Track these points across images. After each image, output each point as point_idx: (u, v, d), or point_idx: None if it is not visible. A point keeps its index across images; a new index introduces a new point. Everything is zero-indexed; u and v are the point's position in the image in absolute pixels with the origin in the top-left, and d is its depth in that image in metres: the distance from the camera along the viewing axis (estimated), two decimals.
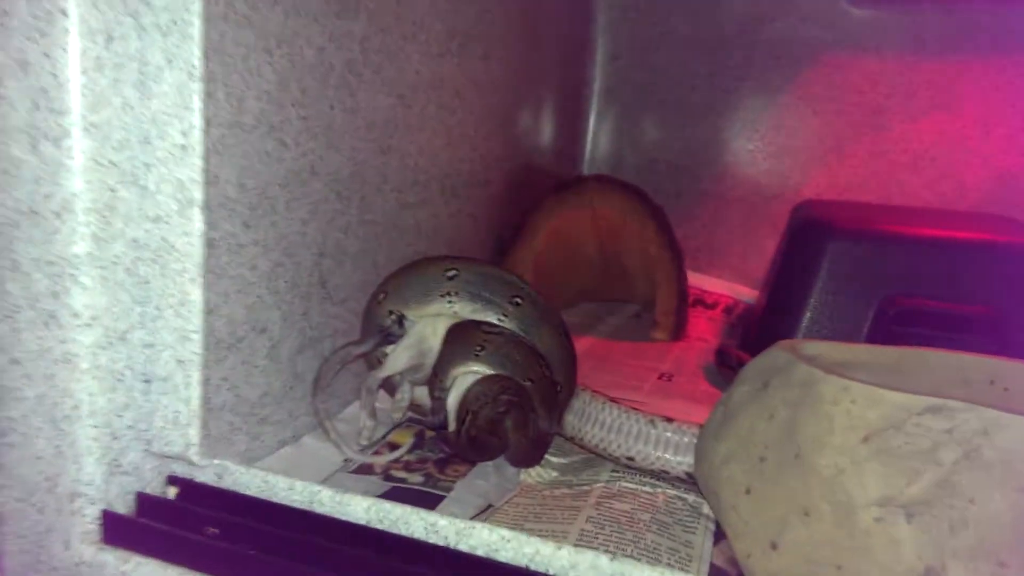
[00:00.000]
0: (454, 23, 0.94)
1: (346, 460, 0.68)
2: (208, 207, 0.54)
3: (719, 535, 0.59)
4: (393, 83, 0.81)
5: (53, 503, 0.50)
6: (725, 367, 0.95)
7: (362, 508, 0.48)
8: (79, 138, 0.46)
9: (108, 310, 0.48)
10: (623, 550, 0.55)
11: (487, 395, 0.64)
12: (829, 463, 0.50)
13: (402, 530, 0.48)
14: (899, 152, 1.32)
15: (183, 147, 0.47)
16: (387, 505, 0.47)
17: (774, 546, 0.51)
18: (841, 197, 1.34)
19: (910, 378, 0.62)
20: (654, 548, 0.55)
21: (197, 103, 0.48)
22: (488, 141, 1.08)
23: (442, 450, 0.72)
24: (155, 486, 0.52)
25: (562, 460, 0.72)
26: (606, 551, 0.54)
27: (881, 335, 0.86)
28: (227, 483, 0.50)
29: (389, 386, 0.74)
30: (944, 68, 1.28)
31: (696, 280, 1.33)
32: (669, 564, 0.54)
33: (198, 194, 0.49)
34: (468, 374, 0.66)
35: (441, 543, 0.48)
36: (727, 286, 1.41)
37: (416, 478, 0.66)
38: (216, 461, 0.52)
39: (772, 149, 1.40)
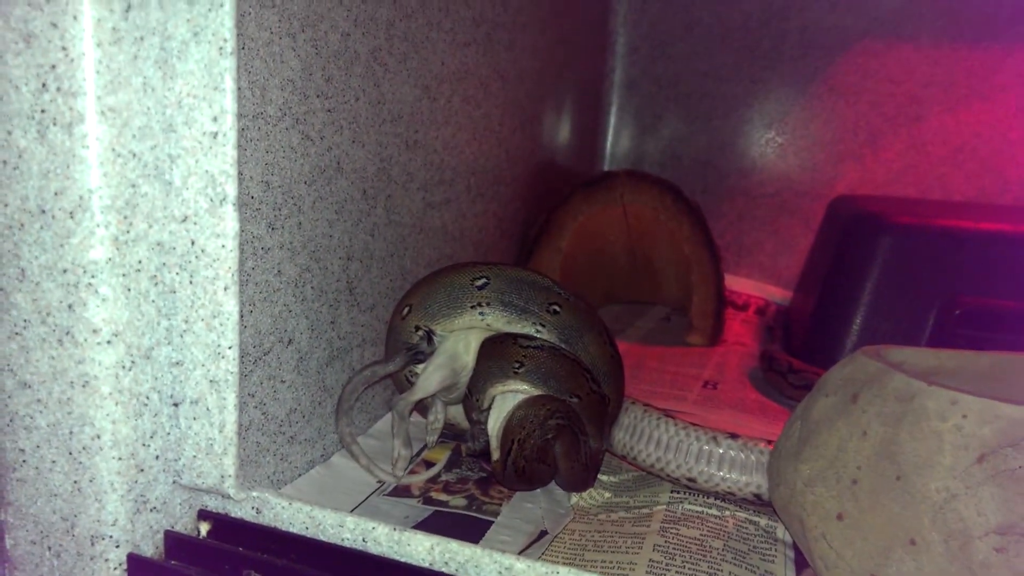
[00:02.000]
0: (481, 10, 0.88)
1: (380, 482, 0.63)
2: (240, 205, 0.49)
3: (800, 563, 0.54)
4: (418, 73, 0.76)
5: (72, 546, 0.43)
6: (773, 373, 0.89)
7: (424, 548, 0.42)
8: (94, 124, 0.39)
9: (131, 324, 0.41)
10: None
11: (533, 421, 0.58)
12: (939, 487, 0.44)
13: (471, 574, 0.42)
14: (937, 144, 1.26)
15: (213, 135, 0.41)
16: (454, 545, 0.41)
17: None
18: (877, 192, 1.28)
19: (1011, 387, 0.56)
20: None
21: (229, 83, 0.41)
22: (513, 136, 1.03)
23: (482, 468, 0.66)
24: (185, 522, 0.45)
25: (613, 479, 0.66)
26: None
27: (945, 338, 0.81)
28: (266, 518, 0.44)
29: (421, 407, 0.68)
30: (984, 55, 1.22)
31: (725, 280, 1.28)
32: None
33: (231, 189, 0.42)
34: (507, 393, 0.61)
35: None
36: (757, 286, 1.36)
37: (458, 501, 0.61)
38: (255, 494, 0.45)
39: (802, 143, 1.34)
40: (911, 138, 1.28)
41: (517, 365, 0.60)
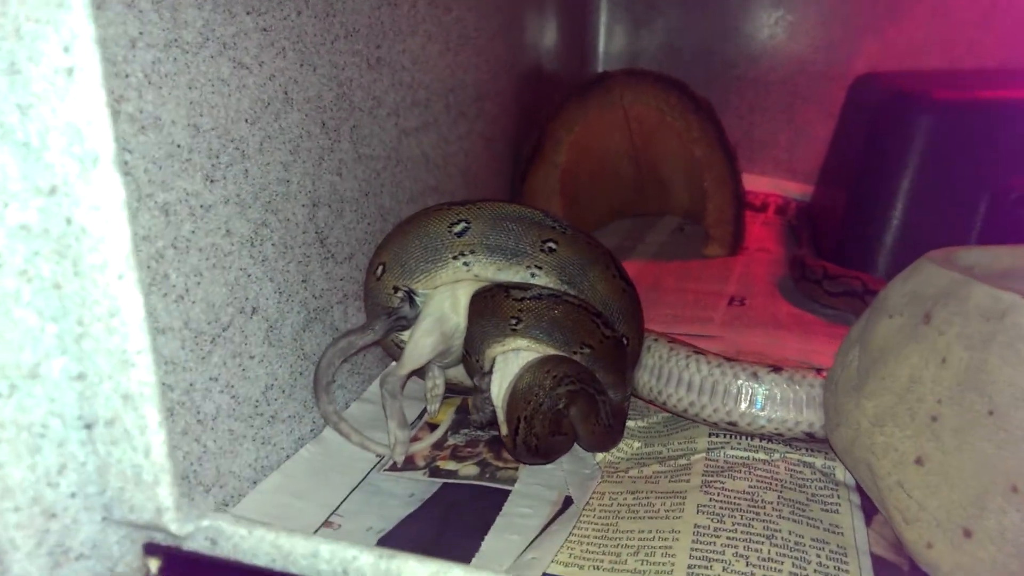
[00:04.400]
0: None
1: (379, 455, 0.56)
2: (128, 161, 0.39)
3: (868, 509, 0.46)
4: None
5: None
6: (806, 281, 0.80)
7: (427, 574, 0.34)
8: None
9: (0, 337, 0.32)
10: (757, 550, 0.42)
11: (539, 391, 0.49)
12: None
13: None
14: (964, 8, 1.13)
15: (68, 72, 0.30)
16: (457, 570, 0.33)
17: (968, 533, 0.38)
18: (901, 68, 1.16)
19: None
20: (796, 543, 0.43)
21: None
22: (493, 43, 0.91)
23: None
24: (129, 561, 0.37)
25: (641, 423, 0.58)
26: (736, 553, 0.42)
27: (1000, 228, 0.72)
28: (224, 550, 0.36)
29: (417, 371, 0.60)
30: None
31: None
32: (821, 563, 0.41)
33: (105, 143, 0.32)
34: (508, 352, 0.52)
35: None
36: (773, 183, 1.25)
37: (469, 469, 0.54)
38: (205, 523, 0.37)
39: (815, 19, 1.21)
40: (934, 4, 1.14)
41: (514, 322, 0.51)
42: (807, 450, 0.51)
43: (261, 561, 0.36)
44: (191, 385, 0.46)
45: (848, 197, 0.83)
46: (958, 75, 0.94)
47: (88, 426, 0.35)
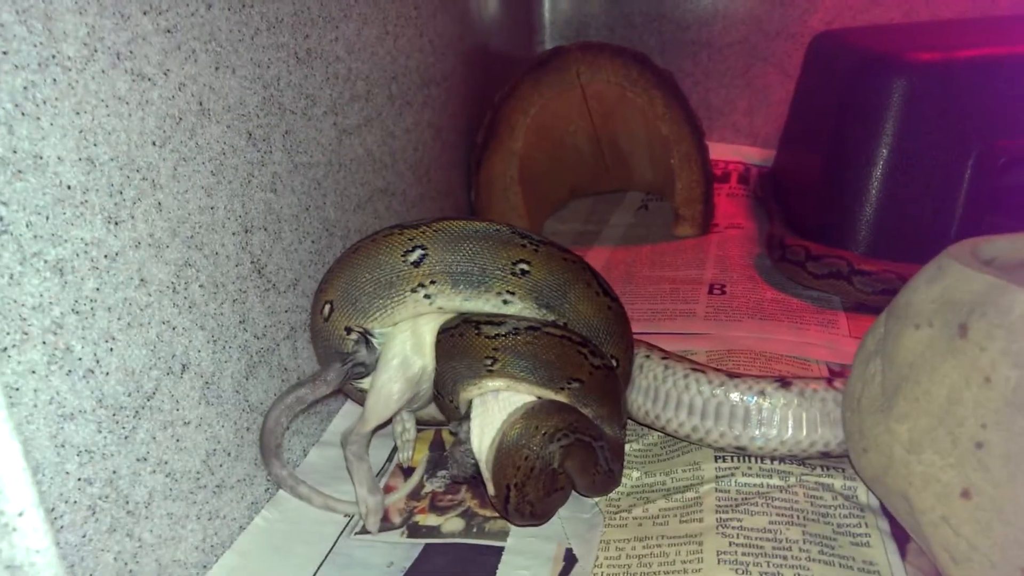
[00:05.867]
0: None
1: (348, 515, 0.49)
2: (2, 217, 0.31)
3: (899, 536, 0.42)
4: None
5: None
6: (787, 263, 0.76)
7: None
8: None
9: None
10: None
11: (529, 452, 0.43)
12: None
13: None
14: None
15: None
16: None
17: None
18: (857, 23, 1.11)
19: None
20: None
21: None
22: (434, 20, 0.82)
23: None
24: None
25: (636, 446, 0.53)
26: None
27: (988, 195, 0.68)
28: None
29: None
30: None
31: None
32: None
33: None
34: (486, 395, 0.46)
35: None
36: (733, 150, 1.20)
37: (453, 523, 0.47)
38: None
39: None
40: None
41: (489, 362, 0.44)
42: (823, 469, 0.47)
43: None
44: (114, 473, 0.38)
45: (822, 168, 0.78)
46: (920, 31, 0.89)
47: None
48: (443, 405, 0.48)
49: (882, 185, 0.74)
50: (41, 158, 0.35)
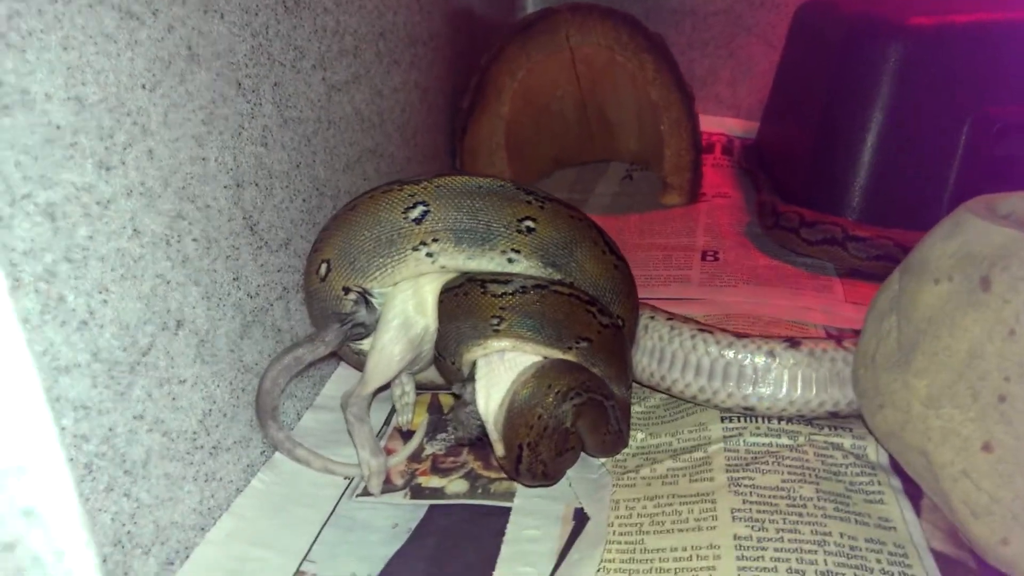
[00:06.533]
0: None
1: (348, 478, 0.47)
2: (1, 158, 0.29)
3: (912, 493, 0.42)
4: None
5: None
6: (780, 230, 0.76)
7: None
8: None
9: None
10: (811, 560, 0.37)
11: (542, 411, 0.42)
12: None
13: None
14: None
15: None
16: None
17: None
18: None
19: None
20: (851, 548, 0.38)
21: None
22: None
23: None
24: None
25: (639, 408, 0.52)
26: (791, 569, 0.36)
27: (982, 162, 0.68)
28: None
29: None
30: None
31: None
32: (883, 569, 0.36)
33: None
34: (491, 355, 0.45)
35: None
36: (716, 121, 1.20)
37: (457, 485, 0.46)
38: None
39: None
40: None
41: (496, 321, 0.43)
42: (831, 428, 0.47)
43: None
44: (110, 430, 0.36)
45: (813, 137, 0.78)
46: None
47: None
48: (444, 367, 0.47)
49: (875, 152, 0.74)
50: (28, 93, 0.32)
